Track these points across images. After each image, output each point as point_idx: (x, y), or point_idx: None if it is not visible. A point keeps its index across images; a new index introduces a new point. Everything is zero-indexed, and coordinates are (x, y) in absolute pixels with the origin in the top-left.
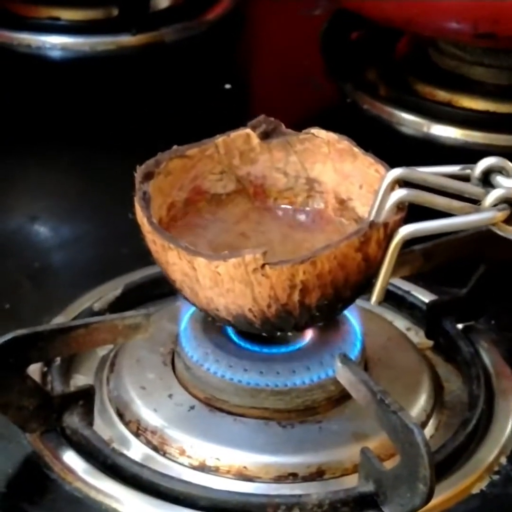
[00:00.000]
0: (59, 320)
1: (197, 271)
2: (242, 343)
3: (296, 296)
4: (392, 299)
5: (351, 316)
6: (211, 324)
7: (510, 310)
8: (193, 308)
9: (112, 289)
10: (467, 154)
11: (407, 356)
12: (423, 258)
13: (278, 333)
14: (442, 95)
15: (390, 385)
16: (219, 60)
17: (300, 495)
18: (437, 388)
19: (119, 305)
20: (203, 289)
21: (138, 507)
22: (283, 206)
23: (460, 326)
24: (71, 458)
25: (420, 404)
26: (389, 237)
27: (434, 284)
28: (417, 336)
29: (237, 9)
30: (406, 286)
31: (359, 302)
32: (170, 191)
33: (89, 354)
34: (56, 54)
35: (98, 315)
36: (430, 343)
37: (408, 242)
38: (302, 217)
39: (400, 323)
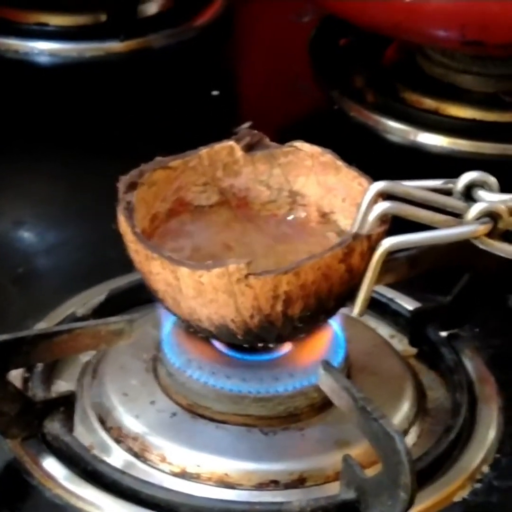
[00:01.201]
0: (43, 325)
1: (180, 281)
2: (225, 350)
3: (279, 307)
4: (376, 306)
5: (335, 323)
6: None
7: (494, 318)
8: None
9: (97, 295)
10: (454, 162)
11: (390, 364)
12: (407, 265)
13: (260, 344)
14: (429, 102)
15: (373, 393)
16: (207, 67)
17: (281, 503)
18: (420, 396)
19: (103, 310)
20: (186, 299)
21: None
22: (266, 217)
23: (444, 333)
24: (51, 464)
25: (403, 411)
26: (372, 249)
27: (418, 292)
28: (401, 344)
29: (225, 15)
30: (390, 293)
31: (342, 309)
32: (153, 202)
33: (71, 360)
34: (44, 59)
35: (81, 321)
36: (413, 350)
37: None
38: (285, 229)
39: (384, 330)
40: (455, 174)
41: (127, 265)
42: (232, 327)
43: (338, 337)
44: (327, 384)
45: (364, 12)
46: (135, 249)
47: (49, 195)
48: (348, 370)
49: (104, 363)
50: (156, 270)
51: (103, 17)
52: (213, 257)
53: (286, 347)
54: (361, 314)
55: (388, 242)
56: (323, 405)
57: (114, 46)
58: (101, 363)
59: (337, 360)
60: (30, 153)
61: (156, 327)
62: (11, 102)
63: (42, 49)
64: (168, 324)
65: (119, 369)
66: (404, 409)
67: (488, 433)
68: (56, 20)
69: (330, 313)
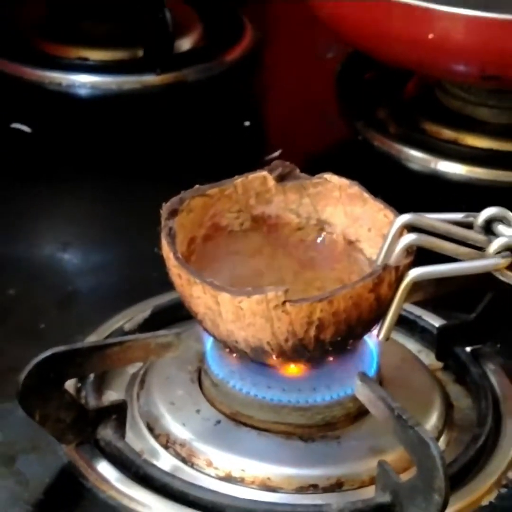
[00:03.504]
0: (92, 339)
1: (221, 305)
2: (264, 363)
3: (312, 332)
4: (404, 323)
5: (368, 339)
6: None
7: None
8: None
9: (141, 311)
10: (472, 189)
11: (419, 377)
12: (434, 285)
13: (292, 365)
14: (448, 133)
15: (404, 403)
16: (238, 99)
17: (321, 505)
18: (448, 407)
19: (148, 326)
20: (224, 322)
21: None
22: (295, 243)
23: (468, 349)
24: (104, 468)
25: (432, 421)
26: (399, 279)
27: (443, 310)
28: (428, 358)
29: (254, 51)
30: (417, 311)
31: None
32: (191, 227)
33: (119, 372)
34: (85, 92)
35: (128, 335)
36: (440, 364)
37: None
38: (312, 254)
39: (412, 346)
40: (473, 200)
41: (168, 284)
42: (267, 349)
43: (371, 351)
44: (364, 394)
45: (388, 48)
46: (178, 273)
47: (92, 219)
48: (380, 382)
49: (151, 374)
50: (197, 294)
51: (140, 52)
52: (246, 282)
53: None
54: (387, 338)
55: (414, 273)
56: (358, 414)
57: (151, 79)
58: (148, 374)
59: (371, 372)
60: (75, 180)
61: (198, 341)
62: (55, 131)
63: (83, 82)
64: (211, 338)
65: (166, 380)
66: (433, 419)
67: (509, 441)
68: (96, 55)
69: (358, 337)
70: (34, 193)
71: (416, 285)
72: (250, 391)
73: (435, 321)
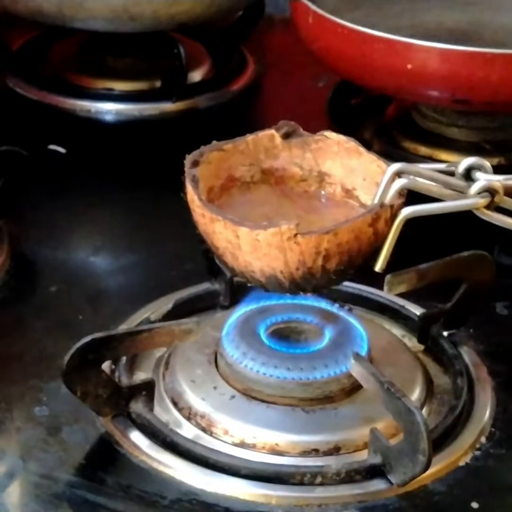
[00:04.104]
0: (123, 328)
1: (240, 238)
2: (272, 345)
3: (320, 261)
4: (390, 312)
5: (359, 325)
6: (247, 330)
7: (485, 321)
8: (233, 317)
9: (165, 304)
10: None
11: (403, 357)
12: (417, 278)
13: (301, 293)
14: (424, 150)
15: (391, 379)
16: (242, 122)
17: (322, 466)
18: (428, 383)
19: (171, 316)
20: (243, 254)
21: (191, 475)
22: (299, 193)
23: (445, 333)
24: (136, 436)
25: (415, 394)
26: (393, 217)
27: (424, 300)
28: (411, 342)
29: (255, 81)
30: (401, 301)
31: (365, 314)
32: (209, 178)
33: (147, 355)
34: (110, 117)
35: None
36: (421, 347)
37: (404, 264)
38: (314, 202)
39: (397, 331)
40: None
41: (188, 280)
42: (280, 278)
43: (362, 336)
44: (358, 371)
45: (372, 78)
46: (201, 213)
47: (119, 226)
48: (371, 361)
49: (174, 357)
50: (219, 230)
51: (158, 83)
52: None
53: (322, 343)
54: (383, 269)
55: (407, 210)
56: (352, 389)
57: (167, 106)
58: (171, 357)
59: (363, 353)
60: (104, 193)
61: (214, 328)
62: (86, 151)
63: (109, 109)
64: (227, 325)
65: (187, 361)
66: (416, 392)
67: (484, 412)
68: (120, 86)
69: (357, 269)
70: (69, 205)
71: (401, 278)
72: (260, 369)
73: (416, 310)
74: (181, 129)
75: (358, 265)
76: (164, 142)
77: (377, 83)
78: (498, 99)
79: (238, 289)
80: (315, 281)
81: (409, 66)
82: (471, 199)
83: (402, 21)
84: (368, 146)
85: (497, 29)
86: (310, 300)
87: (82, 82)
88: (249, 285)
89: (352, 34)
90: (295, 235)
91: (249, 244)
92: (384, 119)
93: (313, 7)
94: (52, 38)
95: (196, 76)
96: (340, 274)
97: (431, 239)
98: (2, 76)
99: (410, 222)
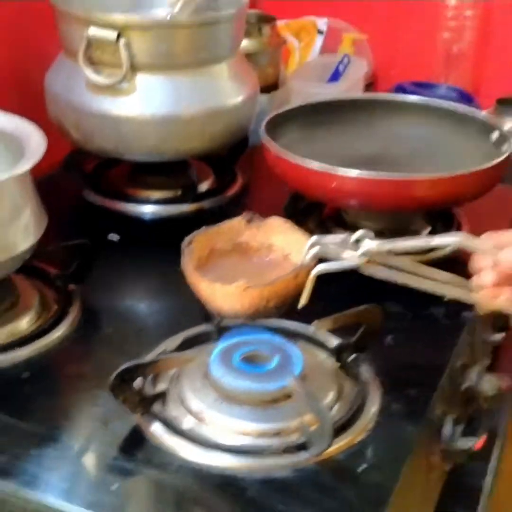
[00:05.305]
0: (149, 356)
1: (215, 291)
2: (242, 367)
3: (264, 303)
4: (317, 342)
5: (297, 352)
6: (226, 357)
7: (378, 349)
8: (218, 349)
9: (176, 340)
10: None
11: (325, 372)
12: (333, 322)
13: (250, 321)
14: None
15: (317, 387)
16: (235, 215)
17: (271, 444)
18: (340, 389)
19: (180, 348)
20: (216, 300)
21: (191, 452)
22: (257, 258)
23: (352, 356)
24: (156, 427)
25: (330, 397)
26: (308, 273)
27: (339, 334)
28: (331, 361)
29: (244, 189)
30: (325, 335)
31: (302, 344)
32: (199, 250)
33: (164, 373)
34: (149, 216)
35: (169, 354)
36: (337, 365)
37: (326, 313)
38: (265, 264)
39: (322, 355)
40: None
41: (192, 323)
42: (240, 314)
43: (299, 358)
44: (293, 384)
45: (312, 192)
46: (191, 276)
47: (150, 286)
48: (304, 376)
49: (181, 374)
50: (203, 287)
51: (178, 192)
52: (228, 279)
53: (273, 365)
54: (304, 304)
55: (316, 269)
56: (290, 395)
57: (185, 207)
58: (180, 374)
59: (298, 370)
60: (141, 265)
61: (207, 354)
62: (133, 238)
63: (148, 211)
64: (214, 353)
65: (190, 376)
66: (331, 396)
67: (373, 409)
68: (154, 195)
69: (288, 306)
70: (120, 274)
71: (323, 323)
72: (234, 383)
73: (335, 341)
74: (193, 222)
75: (288, 304)
76: (182, 230)
77: (313, 195)
78: (386, 206)
79: (222, 329)
80: (261, 315)
81: (333, 185)
82: (356, 259)
83: (335, 150)
84: (312, 232)
85: (396, 155)
86: (267, 335)
87: (130, 192)
88: (229, 325)
89: (295, 164)
90: (248, 287)
91: (221, 294)
92: (322, 216)
93: (273, 143)
94: (111, 164)
95: (203, 186)
96: (277, 310)
97: (345, 294)
98: (79, 190)
99: (336, 278)
